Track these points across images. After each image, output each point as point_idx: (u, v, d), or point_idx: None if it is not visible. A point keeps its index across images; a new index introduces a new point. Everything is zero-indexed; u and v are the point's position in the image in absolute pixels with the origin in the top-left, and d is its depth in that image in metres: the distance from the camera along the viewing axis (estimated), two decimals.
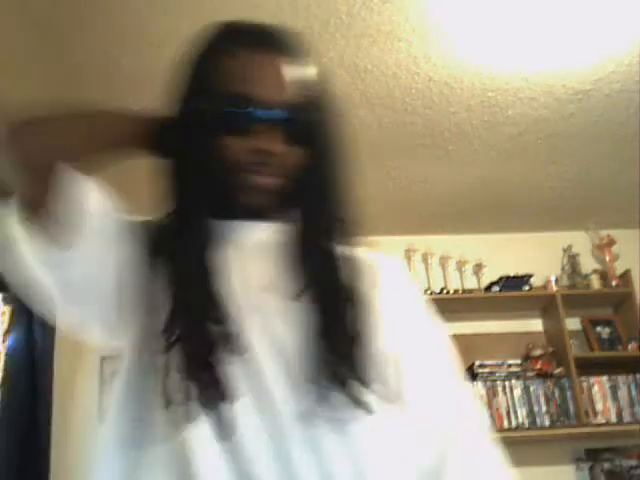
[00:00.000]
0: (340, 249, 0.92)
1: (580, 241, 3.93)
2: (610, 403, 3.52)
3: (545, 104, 2.92)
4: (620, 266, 3.84)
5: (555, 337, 3.69)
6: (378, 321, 0.90)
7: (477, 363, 3.53)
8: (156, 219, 0.93)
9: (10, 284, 0.89)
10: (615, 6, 2.41)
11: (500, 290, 3.70)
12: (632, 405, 3.52)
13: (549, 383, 3.53)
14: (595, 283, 3.78)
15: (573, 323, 3.76)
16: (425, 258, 3.78)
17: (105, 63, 2.52)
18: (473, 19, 2.44)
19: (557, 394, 3.50)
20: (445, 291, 3.70)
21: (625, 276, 3.79)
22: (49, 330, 2.92)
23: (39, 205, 0.83)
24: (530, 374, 3.58)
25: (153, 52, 2.47)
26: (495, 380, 3.52)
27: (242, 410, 0.80)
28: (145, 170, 0.92)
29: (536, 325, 3.84)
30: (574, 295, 3.74)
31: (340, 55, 2.55)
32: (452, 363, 0.97)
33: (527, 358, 3.65)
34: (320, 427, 0.81)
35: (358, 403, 0.83)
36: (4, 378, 2.64)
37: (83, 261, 0.85)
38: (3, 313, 2.74)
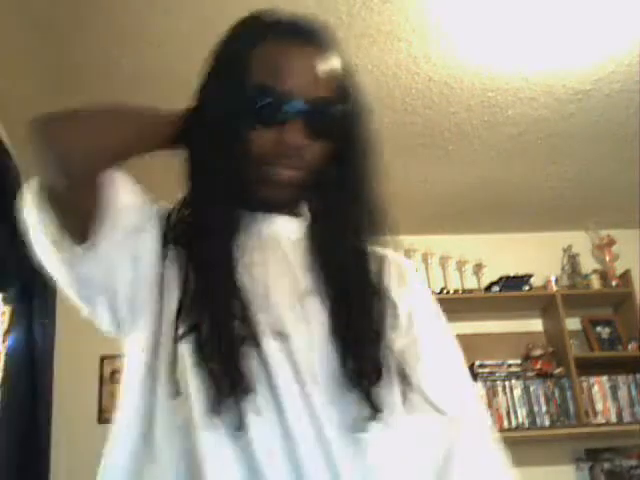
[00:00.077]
0: (363, 245, 0.91)
1: (580, 241, 3.93)
2: (610, 403, 3.52)
3: (545, 104, 2.92)
4: (620, 266, 3.84)
5: (555, 337, 3.69)
6: (402, 318, 0.90)
7: (477, 363, 3.53)
8: (173, 207, 0.92)
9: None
10: (615, 6, 2.41)
11: (500, 290, 3.70)
12: (632, 405, 3.53)
13: (549, 383, 3.53)
14: (595, 283, 3.78)
15: (573, 323, 3.76)
16: (425, 258, 3.78)
17: (105, 63, 2.51)
18: (473, 19, 2.44)
19: (557, 394, 3.50)
20: (445, 291, 3.70)
21: (625, 276, 3.79)
22: (49, 330, 2.92)
23: (72, 203, 0.83)
24: (530, 374, 3.58)
25: (153, 52, 2.47)
26: (495, 380, 3.52)
27: (254, 407, 0.79)
28: (158, 158, 0.91)
29: (536, 325, 3.84)
30: (574, 295, 3.74)
31: None
32: (463, 363, 0.98)
33: (527, 358, 3.65)
34: (332, 427, 0.81)
35: (372, 403, 0.83)
36: (4, 378, 2.64)
37: (104, 261, 0.84)
38: (3, 313, 2.74)
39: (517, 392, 3.50)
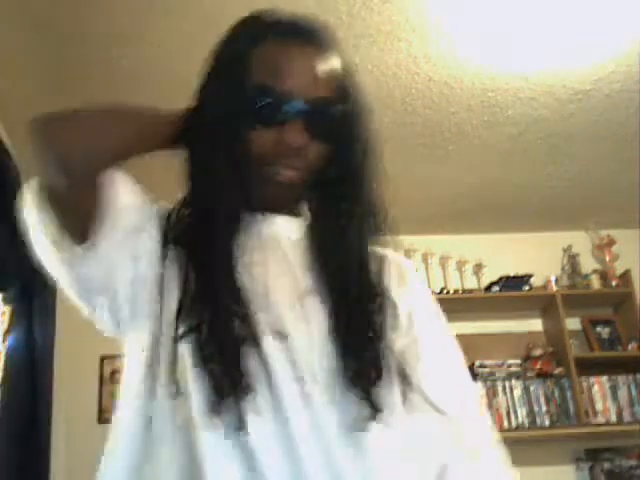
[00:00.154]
0: (363, 245, 0.91)
1: (580, 241, 3.93)
2: (610, 403, 3.52)
3: (545, 104, 2.92)
4: (620, 266, 3.84)
5: (555, 337, 3.69)
6: (402, 318, 0.90)
7: (477, 363, 3.53)
8: (173, 207, 0.92)
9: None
10: (615, 6, 2.41)
11: (500, 290, 3.70)
12: (632, 405, 3.53)
13: (549, 383, 3.53)
14: (595, 283, 3.78)
15: (573, 323, 3.76)
16: (425, 258, 3.78)
17: (105, 63, 2.51)
18: (473, 19, 2.45)
19: (557, 394, 3.50)
20: (445, 291, 3.70)
21: (625, 276, 3.79)
22: (49, 330, 2.92)
23: (73, 204, 0.83)
24: (530, 374, 3.58)
25: (153, 52, 2.47)
26: (495, 380, 3.52)
27: (254, 407, 0.79)
28: (158, 158, 0.91)
29: (536, 325, 3.84)
30: (574, 295, 3.74)
31: None
32: (464, 363, 0.98)
33: (527, 358, 3.65)
34: (332, 427, 0.81)
35: (372, 403, 0.83)
36: (4, 378, 2.64)
37: (104, 261, 0.84)
38: (3, 313, 2.74)
39: (517, 392, 3.50)
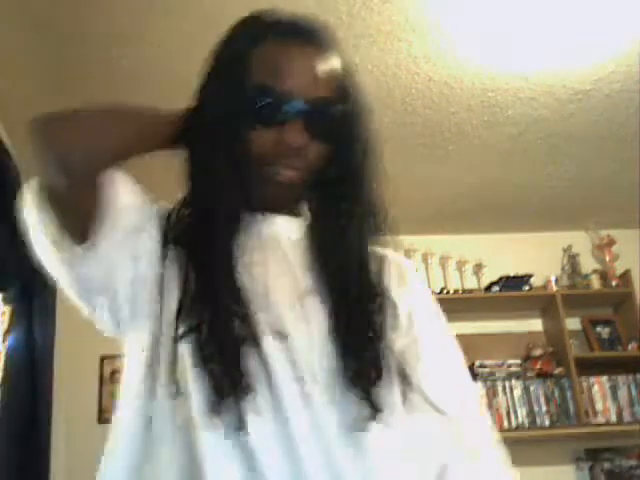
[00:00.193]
0: (363, 245, 0.91)
1: (580, 241, 3.93)
2: (610, 403, 3.52)
3: (545, 104, 2.92)
4: (620, 266, 3.84)
5: (555, 337, 3.69)
6: (402, 318, 0.90)
7: (477, 363, 3.53)
8: (173, 207, 0.91)
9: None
10: (615, 6, 2.41)
11: (500, 290, 3.70)
12: (632, 405, 3.53)
13: (549, 383, 3.53)
14: (595, 283, 3.78)
15: (573, 323, 3.76)
16: (425, 258, 3.78)
17: (105, 63, 2.51)
18: (473, 19, 2.44)
19: (557, 394, 3.50)
20: (445, 291, 3.70)
21: (625, 276, 3.79)
22: (49, 330, 2.92)
23: (72, 204, 0.82)
24: (530, 374, 3.58)
25: (153, 52, 2.47)
26: (495, 380, 3.52)
27: (254, 407, 0.79)
28: (158, 158, 0.91)
29: (536, 325, 3.84)
30: (574, 295, 3.74)
31: None
32: (463, 363, 0.98)
33: (527, 358, 3.65)
34: (332, 427, 0.81)
35: (372, 403, 0.83)
36: (4, 378, 2.64)
37: (105, 261, 0.84)
38: (3, 313, 2.74)
39: (517, 392, 3.50)
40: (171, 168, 0.92)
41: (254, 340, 0.82)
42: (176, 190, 0.92)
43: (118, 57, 2.49)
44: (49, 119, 0.83)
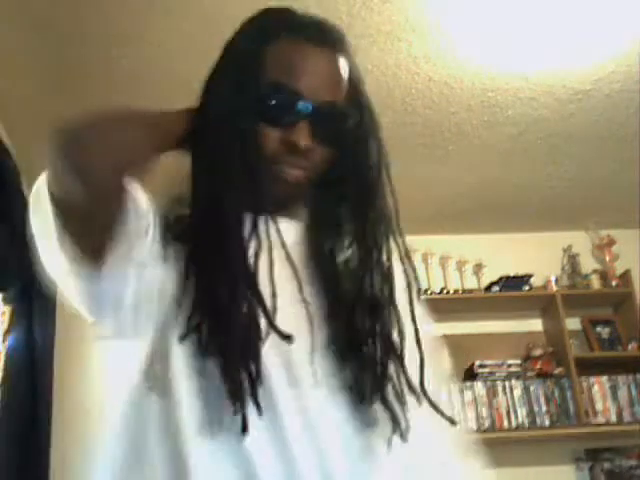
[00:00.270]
0: (367, 249, 0.90)
1: (580, 241, 3.93)
2: (610, 403, 3.52)
3: (545, 104, 2.92)
4: (620, 266, 3.83)
5: (555, 337, 3.69)
6: (406, 324, 0.89)
7: (477, 363, 3.53)
8: (170, 204, 0.89)
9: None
10: (615, 6, 2.41)
11: (500, 290, 3.69)
12: (632, 405, 3.52)
13: (549, 383, 3.53)
14: (595, 283, 3.78)
15: (573, 323, 3.76)
16: (425, 258, 3.78)
17: (105, 63, 2.51)
18: (473, 19, 2.45)
19: (557, 394, 3.50)
20: (445, 291, 3.70)
21: (625, 276, 3.79)
22: (49, 330, 2.92)
23: (91, 218, 0.78)
24: (530, 374, 3.58)
25: (153, 52, 2.47)
26: (495, 380, 3.52)
27: (251, 410, 0.78)
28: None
29: (536, 325, 3.83)
30: (574, 295, 3.73)
31: None
32: (444, 366, 0.97)
33: (527, 358, 3.65)
34: (325, 429, 0.81)
35: (368, 407, 0.83)
36: (4, 378, 2.64)
37: (120, 276, 0.80)
38: (3, 313, 2.74)
39: (517, 392, 3.50)
40: (171, 168, 0.91)
41: (257, 344, 0.80)
42: (176, 190, 0.92)
43: (118, 57, 2.49)
44: (70, 133, 0.79)
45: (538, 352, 3.64)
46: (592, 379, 3.56)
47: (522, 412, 3.45)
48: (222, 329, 0.80)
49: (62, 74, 2.57)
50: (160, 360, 0.82)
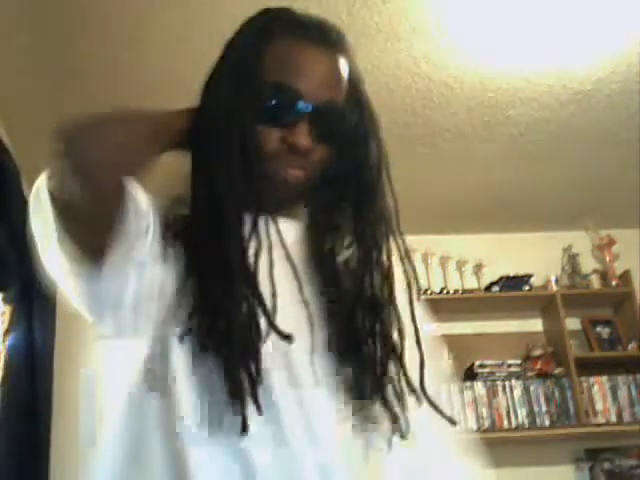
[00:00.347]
0: (367, 248, 0.90)
1: (580, 241, 3.93)
2: (610, 403, 3.52)
3: (545, 104, 2.92)
4: (620, 266, 3.83)
5: (555, 337, 3.69)
6: (406, 324, 0.89)
7: (477, 363, 3.53)
8: (170, 204, 0.89)
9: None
10: (615, 6, 2.41)
11: (500, 290, 3.70)
12: (632, 405, 3.52)
13: (549, 383, 3.53)
14: (595, 283, 3.78)
15: (573, 323, 3.76)
16: (425, 258, 3.78)
17: (105, 63, 2.51)
18: (473, 19, 2.45)
19: (557, 394, 3.50)
20: (445, 291, 3.70)
21: (625, 276, 3.79)
22: (49, 330, 2.92)
23: (93, 217, 0.78)
24: (530, 374, 3.58)
25: (153, 52, 2.47)
26: (495, 380, 3.52)
27: (251, 411, 0.78)
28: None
29: (536, 325, 3.83)
30: (574, 295, 3.74)
31: None
32: (444, 366, 0.97)
33: (527, 358, 3.65)
34: (323, 427, 0.81)
35: (370, 407, 0.83)
36: (4, 378, 2.64)
37: (121, 276, 0.80)
38: (3, 313, 2.74)
39: (517, 392, 3.50)
40: (170, 168, 0.91)
41: (257, 343, 0.80)
42: (176, 189, 0.91)
43: (118, 57, 2.49)
44: (71, 132, 0.79)
45: (538, 352, 3.64)
46: (592, 379, 3.56)
47: (522, 412, 3.45)
48: (222, 329, 0.79)
49: (62, 74, 2.57)
50: (160, 360, 0.82)
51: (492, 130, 3.07)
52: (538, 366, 3.59)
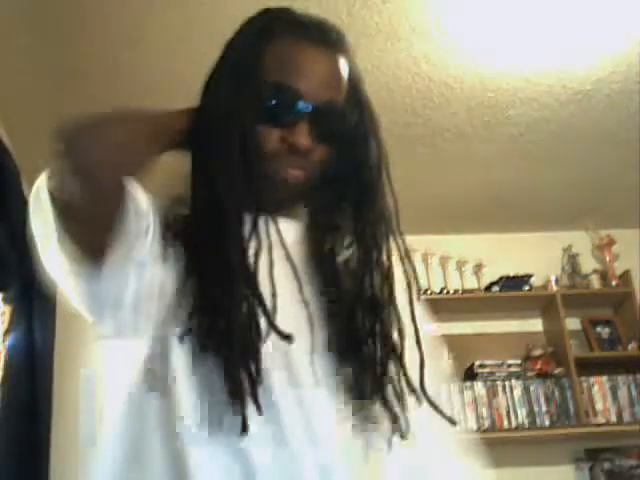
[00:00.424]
0: (366, 249, 0.90)
1: (580, 241, 3.93)
2: (610, 403, 3.52)
3: (545, 104, 2.92)
4: (620, 266, 3.84)
5: (555, 337, 3.69)
6: (406, 325, 0.89)
7: (477, 363, 3.53)
8: (170, 203, 0.88)
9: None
10: (615, 6, 2.41)
11: (500, 290, 3.70)
12: (632, 405, 3.52)
13: (549, 383, 3.53)
14: (595, 283, 3.78)
15: (573, 323, 3.76)
16: (425, 258, 3.78)
17: (105, 63, 2.51)
18: (473, 19, 2.45)
19: (557, 394, 3.50)
20: (445, 291, 3.70)
21: (625, 276, 3.79)
22: (49, 330, 2.92)
23: (93, 217, 0.78)
24: (530, 374, 3.58)
25: (153, 52, 2.47)
26: (495, 380, 3.52)
27: (252, 411, 0.78)
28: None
29: (536, 325, 3.83)
30: (574, 295, 3.74)
31: None
32: (443, 366, 0.97)
33: (527, 358, 3.65)
34: (323, 427, 0.81)
35: (369, 407, 0.83)
36: (4, 378, 2.64)
37: (121, 276, 0.80)
38: (3, 313, 2.74)
39: (517, 392, 3.50)
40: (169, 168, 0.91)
41: (257, 343, 0.80)
42: (175, 189, 0.91)
43: (118, 57, 2.49)
44: (71, 132, 0.79)
45: (538, 352, 3.64)
46: (592, 379, 3.56)
47: (522, 412, 3.45)
48: (222, 329, 0.79)
49: (62, 74, 2.57)
50: (160, 360, 0.82)
51: (492, 130, 3.07)
52: (538, 366, 3.60)
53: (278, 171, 0.87)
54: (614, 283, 3.79)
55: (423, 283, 3.73)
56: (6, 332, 2.71)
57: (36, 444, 2.72)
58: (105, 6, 2.28)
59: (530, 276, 3.73)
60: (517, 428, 3.42)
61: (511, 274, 3.72)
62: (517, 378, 3.54)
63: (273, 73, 0.86)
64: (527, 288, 3.71)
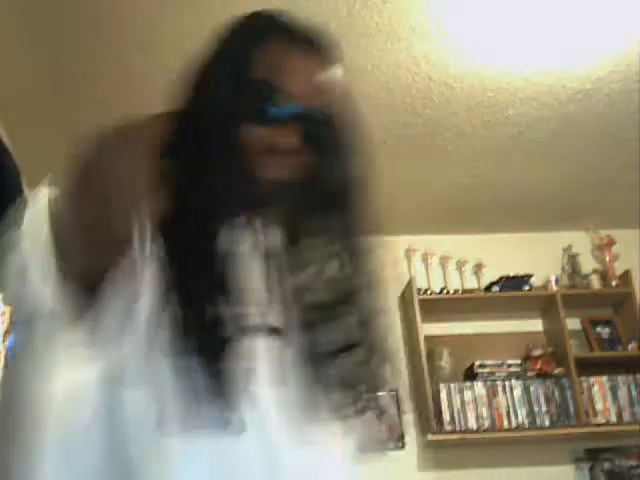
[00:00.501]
0: (341, 253, 0.91)
1: (580, 241, 3.93)
2: (610, 403, 3.52)
3: (545, 104, 2.92)
4: (620, 266, 3.84)
5: (555, 337, 3.69)
6: None
7: (477, 363, 3.54)
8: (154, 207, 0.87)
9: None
10: (615, 6, 2.41)
11: (500, 290, 3.70)
12: (632, 405, 3.52)
13: (549, 383, 3.53)
14: (595, 283, 3.79)
15: (573, 323, 3.76)
16: (425, 258, 3.78)
17: (105, 63, 2.51)
18: (473, 19, 2.45)
19: (557, 394, 3.50)
20: (445, 291, 3.70)
21: (625, 276, 3.79)
22: None
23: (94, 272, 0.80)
24: (530, 374, 3.58)
25: (153, 52, 2.47)
26: (495, 380, 3.52)
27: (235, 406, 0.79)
28: None
29: (536, 325, 3.83)
30: (574, 295, 3.74)
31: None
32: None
33: (527, 358, 3.65)
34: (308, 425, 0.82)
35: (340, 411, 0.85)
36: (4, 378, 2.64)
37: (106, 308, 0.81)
38: (3, 313, 2.74)
39: (517, 392, 3.50)
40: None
41: (237, 339, 0.81)
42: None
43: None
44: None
45: (538, 352, 3.64)
46: (592, 379, 3.56)
47: (522, 412, 3.45)
48: (205, 328, 0.80)
49: (62, 74, 2.57)
50: (143, 360, 0.82)
51: (492, 130, 3.07)
52: (538, 366, 3.60)
53: (261, 171, 0.86)
54: (614, 283, 3.79)
55: (423, 283, 3.74)
56: (6, 332, 2.71)
57: None
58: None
59: (530, 276, 3.73)
60: (517, 428, 3.42)
61: (511, 274, 3.73)
62: (517, 378, 3.54)
63: (262, 75, 0.86)
64: (527, 288, 3.72)
